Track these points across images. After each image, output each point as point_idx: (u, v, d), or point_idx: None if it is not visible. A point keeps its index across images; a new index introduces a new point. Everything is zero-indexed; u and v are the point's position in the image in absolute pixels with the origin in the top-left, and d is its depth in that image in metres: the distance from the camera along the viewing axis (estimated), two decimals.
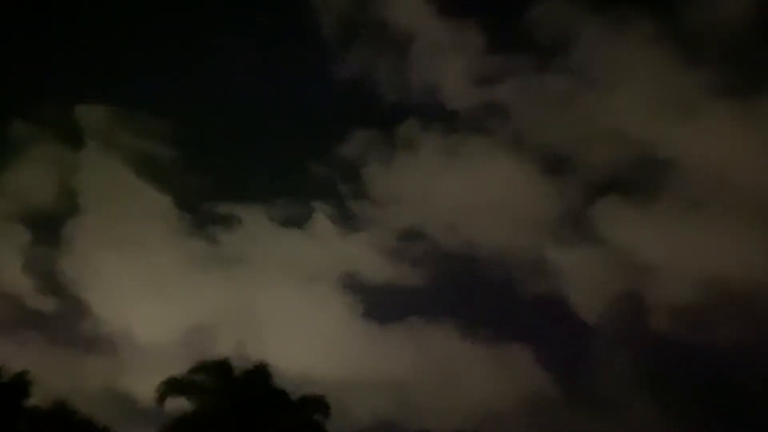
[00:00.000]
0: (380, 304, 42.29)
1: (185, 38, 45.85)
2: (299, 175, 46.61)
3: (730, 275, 39.00)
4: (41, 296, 41.05)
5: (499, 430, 38.68)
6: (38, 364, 26.19)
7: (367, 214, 45.54)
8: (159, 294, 41.62)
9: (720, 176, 42.00)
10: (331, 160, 46.33)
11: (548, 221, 43.78)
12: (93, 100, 45.23)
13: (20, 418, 23.54)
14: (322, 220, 44.88)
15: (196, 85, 46.15)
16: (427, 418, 36.61)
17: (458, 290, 43.02)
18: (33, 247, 42.41)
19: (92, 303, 40.88)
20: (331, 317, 41.57)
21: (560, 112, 45.60)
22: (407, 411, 37.43)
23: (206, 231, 44.31)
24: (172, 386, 23.80)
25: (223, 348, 36.19)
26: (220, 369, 24.27)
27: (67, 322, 41.07)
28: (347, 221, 45.33)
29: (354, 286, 42.78)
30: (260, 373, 24.10)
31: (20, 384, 23.85)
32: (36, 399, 24.14)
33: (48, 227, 43.09)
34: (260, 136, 46.71)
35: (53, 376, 31.92)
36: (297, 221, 45.04)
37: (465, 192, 45.09)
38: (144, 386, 26.97)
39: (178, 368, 24.47)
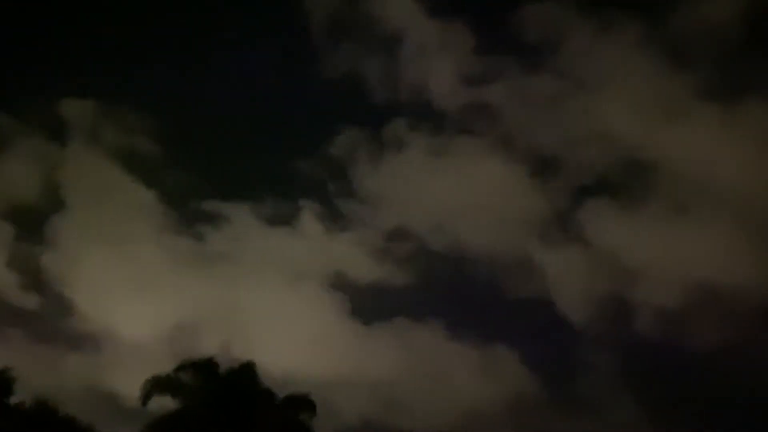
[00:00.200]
0: (367, 304, 42.31)
1: (173, 34, 45.58)
2: (287, 174, 46.56)
3: (714, 279, 39.34)
4: (24, 293, 40.76)
5: (484, 431, 38.75)
6: (20, 362, 25.98)
7: (354, 213, 45.56)
8: (144, 291, 41.39)
9: (705, 180, 42.36)
10: (318, 159, 46.29)
11: (535, 223, 43.98)
12: (78, 95, 44.95)
13: (2, 416, 23.27)
14: (309, 218, 44.85)
15: (184, 80, 45.95)
16: (412, 418, 36.69)
17: (445, 290, 43.14)
18: (16, 243, 42.11)
19: (76, 300, 40.66)
20: (318, 316, 41.51)
21: (548, 114, 45.83)
22: (393, 411, 37.50)
23: (192, 228, 44.16)
24: (156, 385, 23.56)
25: (208, 346, 35.98)
26: (205, 368, 24.06)
27: (50, 319, 40.84)
28: (335, 220, 45.33)
29: (341, 285, 42.78)
30: (246, 372, 23.93)
31: (3, 381, 23.59)
32: (18, 397, 23.94)
33: (32, 223, 42.80)
34: (248, 133, 46.55)
35: (36, 374, 31.72)
36: (284, 220, 44.99)
37: (452, 192, 45.20)
38: (128, 384, 26.83)
39: (163, 367, 24.28)
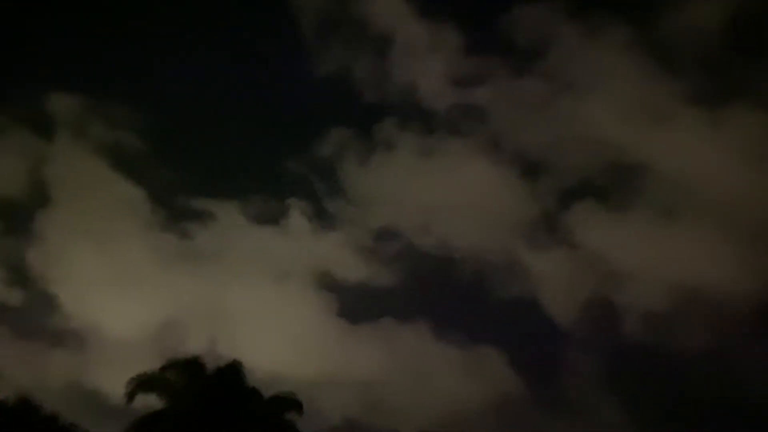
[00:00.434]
0: (354, 304, 42.28)
1: (162, 31, 45.26)
2: (275, 172, 46.44)
3: (699, 282, 39.58)
4: (8, 288, 40.37)
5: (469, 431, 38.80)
6: (4, 358, 25.78)
7: (342, 212, 45.51)
8: (130, 288, 41.14)
9: (692, 184, 42.62)
10: (307, 158, 46.22)
11: (522, 224, 44.08)
12: (65, 89, 44.59)
13: None
14: (297, 217, 44.74)
15: (172, 77, 45.67)
16: (397, 418, 36.65)
17: (432, 291, 43.14)
18: (1, 238, 41.77)
19: (61, 296, 40.33)
20: (305, 316, 41.45)
21: (536, 116, 45.96)
22: (378, 411, 37.48)
23: (180, 226, 43.93)
24: (141, 383, 23.42)
25: (194, 345, 35.81)
26: (191, 366, 23.94)
27: (34, 316, 40.46)
28: (322, 219, 45.27)
29: (328, 284, 42.72)
30: (232, 371, 23.82)
31: None
32: (1, 393, 23.74)
33: (17, 218, 42.40)
34: (236, 131, 46.36)
35: (19, 370, 31.48)
36: (272, 218, 44.86)
37: (441, 193, 45.27)
38: (112, 382, 26.66)
39: (148, 364, 24.15)
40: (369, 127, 46.19)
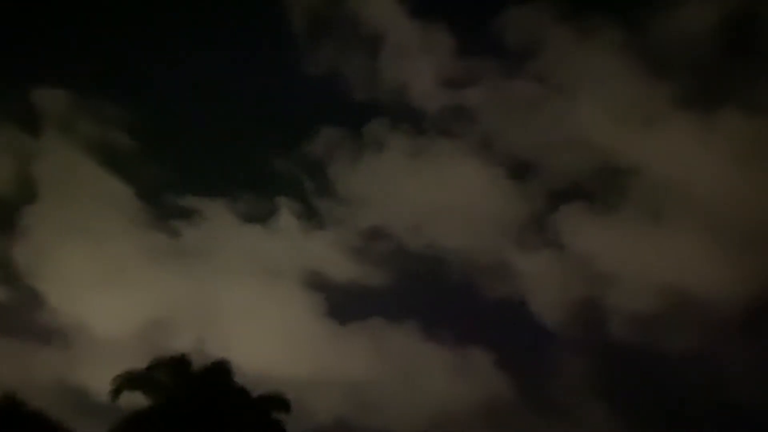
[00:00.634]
0: (343, 303, 42.22)
1: (151, 29, 45.07)
2: (264, 171, 46.34)
3: (687, 285, 39.81)
4: None
5: None
6: None
7: (332, 212, 45.45)
8: (117, 286, 40.88)
9: (681, 187, 42.88)
10: (297, 157, 46.11)
11: (511, 225, 44.20)
12: (52, 84, 44.23)
13: None
14: (286, 216, 44.62)
15: (161, 75, 45.47)
16: (386, 418, 36.66)
17: (421, 291, 43.18)
18: None
19: (47, 293, 40.01)
20: (293, 315, 41.35)
21: (527, 118, 46.05)
22: (367, 411, 37.44)
23: (168, 223, 43.70)
24: (127, 381, 23.24)
25: (181, 343, 35.61)
26: (178, 365, 23.78)
27: (20, 313, 40.13)
28: (312, 219, 45.18)
29: (317, 284, 42.64)
30: (220, 370, 23.70)
31: None
32: None
33: (3, 215, 42.05)
34: (226, 129, 46.20)
35: (4, 368, 31.23)
36: (261, 217, 44.72)
37: (430, 194, 45.30)
38: (98, 380, 26.42)
39: (135, 362, 23.95)
40: (359, 126, 46.19)
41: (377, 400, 37.94)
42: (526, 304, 41.61)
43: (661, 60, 44.64)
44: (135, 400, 23.43)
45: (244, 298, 40.98)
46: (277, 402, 23.85)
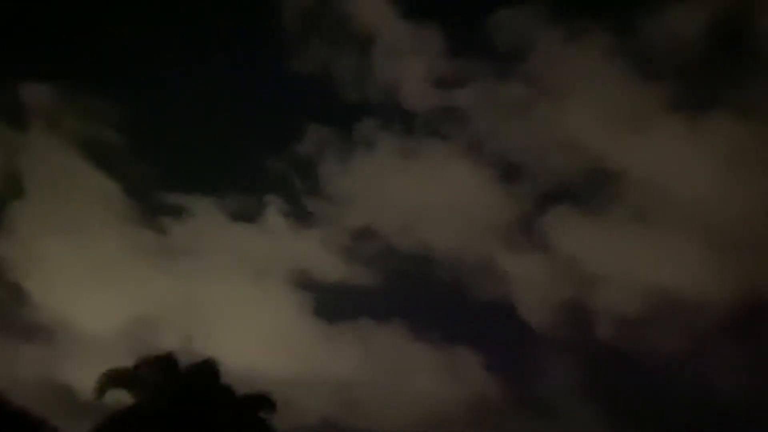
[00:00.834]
0: (331, 303, 42.16)
1: (141, 26, 44.76)
2: (253, 169, 46.24)
3: (675, 288, 40.01)
4: None
5: None
6: None
7: (320, 211, 45.40)
8: (102, 283, 40.67)
9: (669, 190, 43.08)
10: (286, 156, 46.03)
11: (500, 227, 44.30)
12: (39, 79, 43.85)
13: None
14: (274, 215, 44.53)
15: (150, 72, 45.23)
16: (373, 418, 36.61)
17: (409, 291, 43.17)
18: None
19: (32, 290, 39.75)
20: (281, 314, 41.26)
21: (516, 120, 46.16)
22: (354, 411, 37.38)
23: (155, 221, 43.54)
24: (112, 379, 23.02)
25: (168, 341, 35.48)
26: (164, 363, 23.60)
27: (4, 309, 39.82)
28: (300, 218, 45.13)
29: (305, 283, 42.56)
30: (206, 368, 23.53)
31: None
32: None
33: None
34: (215, 127, 46.05)
35: None
36: (249, 215, 44.61)
37: (420, 194, 45.35)
38: (83, 378, 26.27)
39: (120, 360, 23.81)
40: (349, 126, 46.19)
41: (364, 400, 37.94)
42: (514, 306, 41.75)
43: (650, 63, 44.96)
44: (120, 398, 23.28)
45: (231, 296, 40.91)
46: (263, 401, 23.71)
